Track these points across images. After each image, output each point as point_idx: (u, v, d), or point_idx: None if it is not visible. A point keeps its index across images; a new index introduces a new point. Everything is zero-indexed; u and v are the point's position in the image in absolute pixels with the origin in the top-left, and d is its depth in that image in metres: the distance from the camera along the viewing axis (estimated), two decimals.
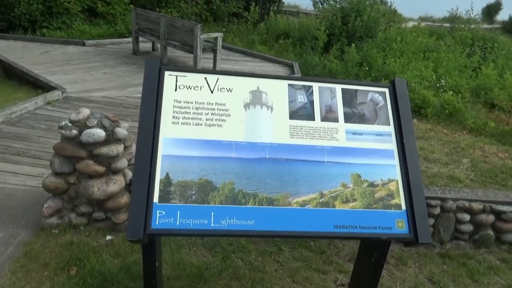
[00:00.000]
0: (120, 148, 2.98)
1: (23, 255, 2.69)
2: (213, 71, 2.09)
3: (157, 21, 8.41)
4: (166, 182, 1.80)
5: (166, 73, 2.02)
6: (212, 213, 1.77)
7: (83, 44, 9.45)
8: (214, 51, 8.21)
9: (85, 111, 2.99)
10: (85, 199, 2.99)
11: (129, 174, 3.13)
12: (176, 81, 2.01)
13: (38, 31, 10.23)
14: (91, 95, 6.26)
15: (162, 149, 1.85)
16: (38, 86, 6.46)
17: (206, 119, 1.94)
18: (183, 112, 1.93)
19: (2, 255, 2.69)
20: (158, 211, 1.75)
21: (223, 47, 9.67)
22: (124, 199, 3.04)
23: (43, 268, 2.60)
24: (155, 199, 1.77)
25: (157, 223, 1.73)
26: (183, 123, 1.91)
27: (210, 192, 1.81)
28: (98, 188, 2.91)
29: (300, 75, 8.63)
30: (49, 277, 2.53)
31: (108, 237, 2.96)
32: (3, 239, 2.84)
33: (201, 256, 2.94)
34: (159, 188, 1.78)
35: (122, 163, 3.02)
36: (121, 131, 3.00)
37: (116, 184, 2.98)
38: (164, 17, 8.30)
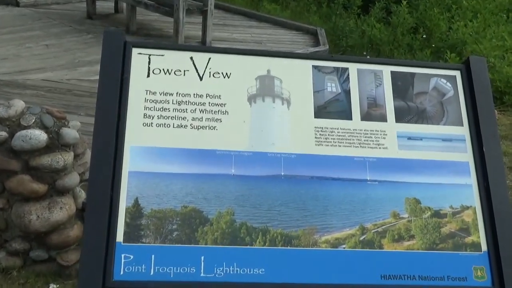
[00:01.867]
0: (68, 157, 2.98)
1: None
2: (203, 47, 2.07)
3: None
4: (135, 212, 1.77)
5: (135, 50, 2.00)
6: (202, 258, 1.74)
7: (17, 4, 9.53)
8: (204, 12, 8.21)
9: (18, 104, 2.99)
10: (19, 231, 2.99)
11: (82, 195, 3.13)
12: (149, 62, 1.99)
13: None
14: (27, 77, 6.31)
15: (129, 163, 1.82)
16: None
17: (193, 119, 1.91)
18: (159, 109, 1.90)
19: None
20: (123, 255, 1.72)
21: (217, 6, 9.71)
22: (75, 231, 3.05)
23: None
24: (119, 237, 1.74)
25: (121, 272, 1.70)
26: (159, 125, 1.89)
27: (200, 226, 1.78)
28: (37, 216, 2.91)
29: (327, 48, 8.61)
30: None
31: (53, 286, 2.96)
32: None
33: None
34: (125, 221, 1.75)
35: (72, 179, 3.02)
36: (70, 132, 3.00)
37: (63, 209, 2.98)
38: None
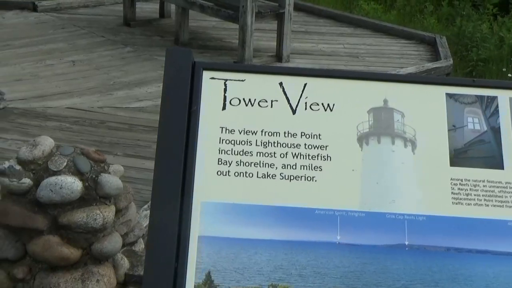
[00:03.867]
0: (109, 213, 3.08)
1: None
2: (296, 69, 2.12)
3: None
4: None
5: (206, 75, 2.07)
6: None
7: (34, 9, 10.03)
8: (280, 16, 8.35)
9: (45, 142, 3.15)
10: None
11: (125, 263, 3.22)
12: (225, 90, 2.06)
13: None
14: (48, 104, 6.61)
15: (199, 225, 1.88)
16: None
17: (284, 166, 1.95)
18: (239, 152, 1.96)
19: None
20: None
21: (297, 7, 9.78)
22: None
23: None
24: None
25: None
26: (238, 174, 1.94)
27: None
28: None
29: (451, 62, 8.51)
30: None
31: None
32: None
33: None
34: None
35: (112, 242, 3.12)
36: (111, 180, 3.11)
37: (100, 283, 3.07)
38: None
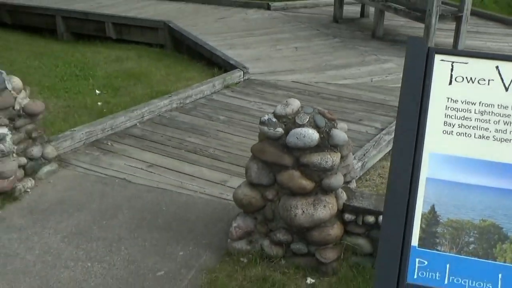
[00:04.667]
0: (336, 158, 3.17)
1: (206, 284, 3.13)
2: (510, 57, 2.05)
3: None
4: (431, 219, 1.85)
5: (437, 57, 2.07)
6: (500, 276, 1.74)
7: (268, 8, 10.39)
8: (458, 18, 7.97)
9: (294, 103, 3.28)
10: (283, 223, 3.28)
11: (343, 196, 3.30)
12: (452, 70, 2.04)
13: None
14: (278, 78, 6.84)
15: (428, 170, 1.90)
16: (213, 63, 7.38)
17: (496, 130, 1.91)
18: (461, 117, 1.95)
19: (183, 279, 3.19)
20: (417, 259, 1.81)
21: (471, 12, 9.27)
22: (335, 230, 3.23)
23: None
24: (414, 241, 1.83)
25: (415, 275, 1.79)
26: (460, 134, 1.93)
27: (498, 242, 1.78)
28: (302, 211, 3.16)
29: None
30: None
31: (310, 280, 3.19)
32: (184, 259, 3.36)
33: None
34: (420, 227, 1.84)
35: (337, 180, 3.21)
36: (340, 134, 3.18)
37: (326, 208, 3.18)
38: None
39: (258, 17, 9.82)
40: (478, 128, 1.92)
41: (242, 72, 6.80)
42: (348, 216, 3.30)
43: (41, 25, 9.98)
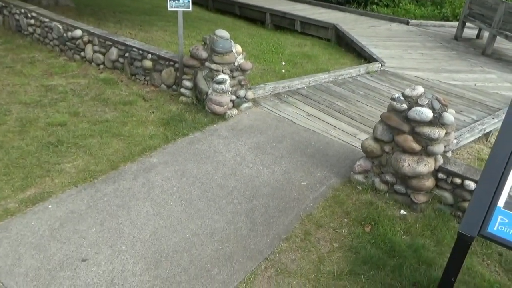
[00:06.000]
0: (442, 132, 2.81)
1: (331, 197, 3.03)
2: None
3: (494, 7, 7.32)
4: None
5: None
6: None
7: (407, 23, 9.39)
8: None
9: (419, 89, 2.93)
10: (392, 170, 3.03)
11: (440, 160, 2.94)
12: None
13: (369, 6, 10.85)
14: (405, 72, 6.20)
15: None
16: (362, 56, 6.91)
17: None
18: None
19: (317, 190, 3.13)
20: (499, 216, 1.52)
21: None
22: (429, 182, 2.91)
23: (344, 215, 2.86)
24: (500, 203, 1.54)
25: (495, 228, 1.52)
26: None
27: None
28: (408, 164, 2.87)
29: None
30: (348, 225, 2.76)
31: (402, 212, 2.94)
32: (319, 178, 3.28)
33: (495, 273, 2.52)
34: (509, 194, 1.54)
35: (439, 147, 2.86)
36: (449, 116, 2.80)
37: (426, 166, 2.86)
38: (504, 3, 7.11)
39: (399, 29, 8.90)
40: None
41: (380, 65, 6.27)
42: (441, 175, 2.95)
43: (256, 17, 10.10)
